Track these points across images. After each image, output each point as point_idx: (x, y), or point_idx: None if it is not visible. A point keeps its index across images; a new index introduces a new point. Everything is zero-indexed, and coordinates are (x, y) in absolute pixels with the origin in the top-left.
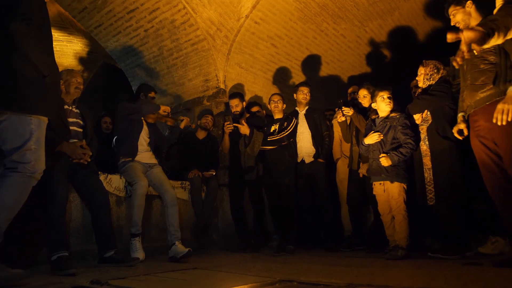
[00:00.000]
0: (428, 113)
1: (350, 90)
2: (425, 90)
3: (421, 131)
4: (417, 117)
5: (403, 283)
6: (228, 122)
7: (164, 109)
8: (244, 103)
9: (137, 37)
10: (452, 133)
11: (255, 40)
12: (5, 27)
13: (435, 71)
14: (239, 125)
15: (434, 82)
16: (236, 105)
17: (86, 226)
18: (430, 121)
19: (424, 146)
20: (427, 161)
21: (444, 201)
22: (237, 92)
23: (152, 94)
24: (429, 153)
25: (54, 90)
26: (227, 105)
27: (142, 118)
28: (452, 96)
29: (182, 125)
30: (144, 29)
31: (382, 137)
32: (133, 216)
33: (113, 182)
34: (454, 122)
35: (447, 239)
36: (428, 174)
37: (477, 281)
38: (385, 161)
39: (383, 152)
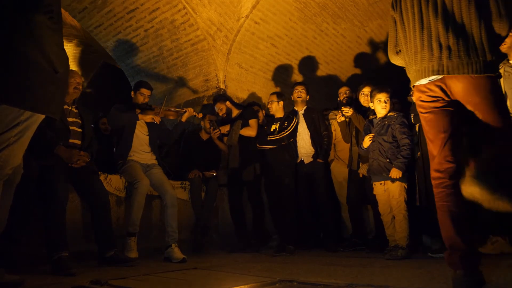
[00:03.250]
0: None
1: (345, 90)
2: None
3: None
4: None
5: (403, 283)
6: (212, 128)
7: (154, 116)
8: (228, 102)
9: (137, 37)
10: None
11: (255, 40)
12: (28, 17)
13: None
14: (221, 128)
15: None
16: (221, 109)
17: (86, 226)
18: None
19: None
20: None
21: None
22: (220, 95)
23: (142, 92)
24: None
25: (63, 88)
26: (205, 106)
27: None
28: None
29: (184, 118)
30: (144, 29)
31: (373, 136)
32: (132, 215)
33: (113, 182)
34: None
35: None
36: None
37: None
38: (395, 174)
39: (389, 162)
